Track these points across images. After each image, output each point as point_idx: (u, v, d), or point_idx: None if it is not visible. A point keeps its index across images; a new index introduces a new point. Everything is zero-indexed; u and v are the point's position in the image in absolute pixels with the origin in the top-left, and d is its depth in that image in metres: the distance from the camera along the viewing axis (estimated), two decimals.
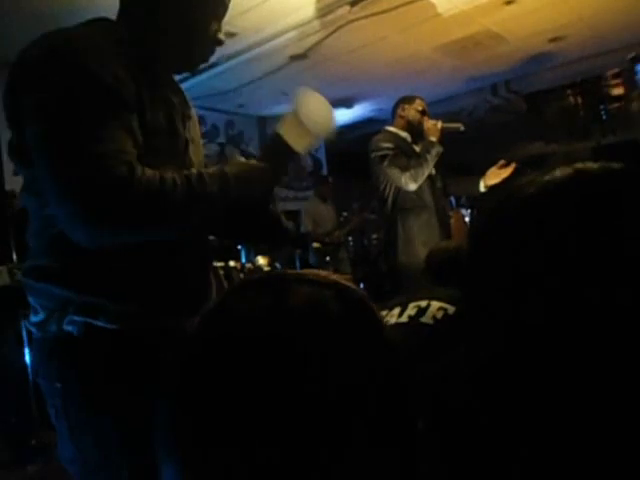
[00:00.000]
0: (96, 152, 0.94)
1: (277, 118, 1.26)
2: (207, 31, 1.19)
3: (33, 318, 1.09)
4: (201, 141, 1.36)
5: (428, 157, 3.19)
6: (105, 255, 1.02)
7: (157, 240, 1.07)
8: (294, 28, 4.41)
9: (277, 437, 0.51)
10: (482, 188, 3.51)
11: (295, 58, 5.07)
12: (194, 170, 1.09)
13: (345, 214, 6.32)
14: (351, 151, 8.14)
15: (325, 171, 8.20)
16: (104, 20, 1.14)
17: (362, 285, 6.39)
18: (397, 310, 2.00)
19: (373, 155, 3.30)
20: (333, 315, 0.59)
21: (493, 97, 7.00)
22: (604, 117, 6.91)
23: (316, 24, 4.37)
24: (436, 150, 3.22)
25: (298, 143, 1.19)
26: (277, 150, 1.20)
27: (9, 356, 3.26)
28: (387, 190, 3.32)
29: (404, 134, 3.38)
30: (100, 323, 1.03)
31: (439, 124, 3.27)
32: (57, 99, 0.96)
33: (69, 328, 1.04)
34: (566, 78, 6.79)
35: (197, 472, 0.54)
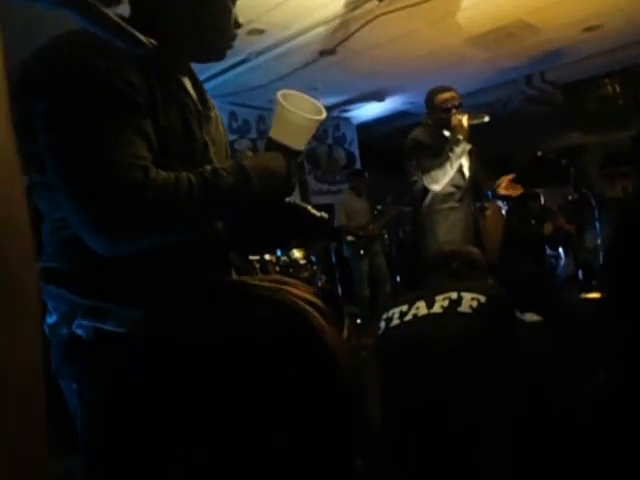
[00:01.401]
0: (111, 158, 0.93)
1: None
2: (223, 13, 1.17)
3: (48, 319, 1.10)
4: (225, 141, 1.35)
5: (452, 156, 3.17)
6: (112, 260, 1.01)
7: (167, 246, 1.05)
8: (322, 24, 4.44)
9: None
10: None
11: (324, 53, 5.12)
12: (208, 167, 1.08)
13: (379, 207, 6.36)
14: (384, 144, 8.17)
15: (358, 164, 8.24)
16: None
17: (398, 278, 6.44)
18: (422, 303, 2.09)
19: (404, 151, 3.36)
20: (270, 335, 0.57)
21: (528, 88, 6.89)
22: None
23: (344, 19, 4.41)
24: (462, 148, 3.20)
25: (294, 141, 1.18)
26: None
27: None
28: (417, 186, 3.35)
29: (440, 130, 3.40)
30: (108, 327, 1.03)
31: (465, 119, 3.24)
32: (69, 106, 0.95)
33: (79, 331, 1.05)
34: (603, 67, 6.65)
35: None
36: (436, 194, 3.28)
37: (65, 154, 0.95)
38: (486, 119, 3.30)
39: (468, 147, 3.24)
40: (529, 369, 2.02)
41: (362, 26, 4.55)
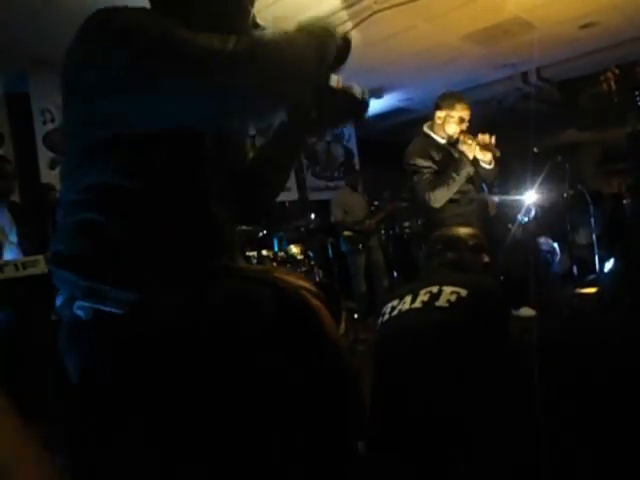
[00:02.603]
0: (198, 37, 0.96)
1: None
2: (241, 14, 1.18)
3: (56, 302, 1.14)
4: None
5: (456, 178, 3.14)
6: (112, 243, 1.06)
7: (165, 231, 1.09)
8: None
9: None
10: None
11: None
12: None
13: (376, 203, 6.39)
14: (382, 141, 8.20)
15: (356, 161, 8.25)
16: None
17: (395, 273, 6.47)
18: (409, 297, 2.07)
19: (406, 166, 3.29)
20: (266, 315, 0.57)
21: (524, 85, 6.93)
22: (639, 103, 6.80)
23: (341, 16, 4.42)
24: (466, 171, 3.17)
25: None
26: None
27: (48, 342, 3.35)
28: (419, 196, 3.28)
29: (442, 141, 3.33)
30: (106, 308, 1.05)
31: (474, 145, 3.20)
32: (148, 28, 0.98)
33: (79, 312, 1.07)
34: (599, 65, 6.68)
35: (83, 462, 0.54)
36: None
37: (161, 50, 0.95)
38: (498, 154, 3.25)
39: (472, 171, 3.22)
40: (527, 366, 1.95)
41: (359, 23, 4.57)
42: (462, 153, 3.20)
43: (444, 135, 3.33)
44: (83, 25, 1.04)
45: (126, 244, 1.06)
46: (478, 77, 6.54)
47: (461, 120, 3.28)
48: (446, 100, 3.34)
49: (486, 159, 3.28)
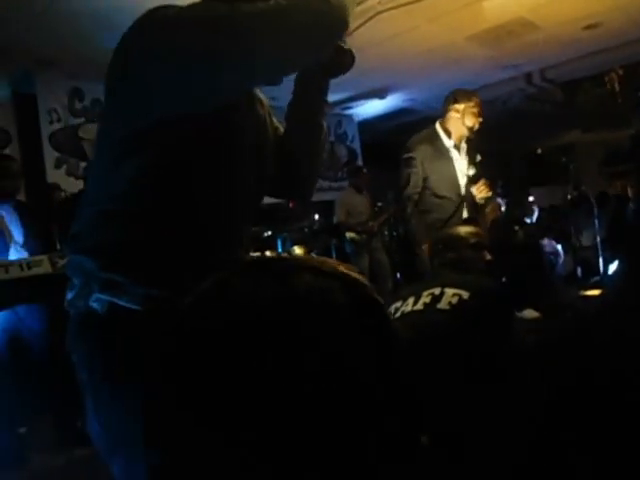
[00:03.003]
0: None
1: None
2: None
3: (67, 295, 1.12)
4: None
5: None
6: (140, 238, 1.06)
7: (191, 228, 1.09)
8: None
9: (269, 425, 0.49)
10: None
11: None
12: None
13: (380, 204, 6.38)
14: (385, 141, 8.19)
15: (360, 161, 8.26)
16: None
17: (398, 274, 6.47)
18: (412, 299, 2.04)
19: (402, 156, 3.35)
20: (339, 306, 0.55)
21: (528, 86, 6.91)
22: None
23: None
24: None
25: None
26: None
27: (53, 342, 3.29)
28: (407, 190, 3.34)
29: (448, 141, 3.33)
30: (123, 303, 1.04)
31: (484, 194, 3.31)
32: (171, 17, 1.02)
33: (94, 305, 1.05)
34: (603, 66, 6.67)
35: (178, 454, 0.52)
36: (427, 197, 3.31)
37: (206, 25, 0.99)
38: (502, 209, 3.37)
39: (471, 173, 3.31)
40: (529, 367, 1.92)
41: (363, 23, 4.57)
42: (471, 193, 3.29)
43: (456, 134, 3.32)
44: (138, 22, 1.06)
45: (154, 240, 1.06)
46: (482, 78, 6.50)
47: (479, 113, 3.29)
48: (462, 94, 3.35)
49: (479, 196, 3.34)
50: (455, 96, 3.34)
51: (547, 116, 7.63)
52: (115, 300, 1.04)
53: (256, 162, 1.25)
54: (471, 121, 3.27)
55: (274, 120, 1.38)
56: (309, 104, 1.37)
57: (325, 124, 1.41)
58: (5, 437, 3.05)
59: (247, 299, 0.54)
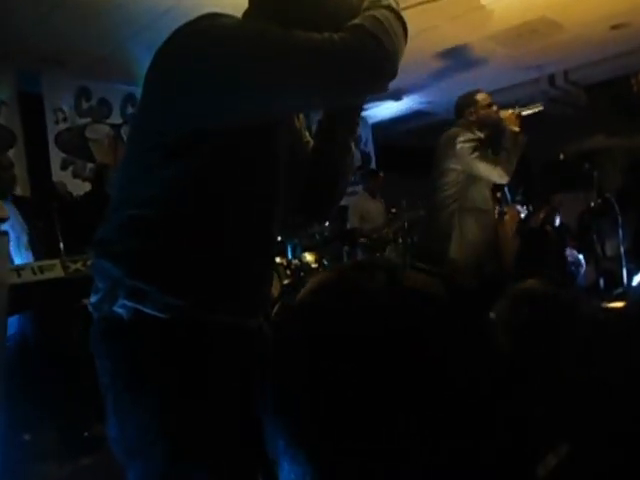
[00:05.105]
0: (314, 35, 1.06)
1: None
2: (337, 23, 1.17)
3: (92, 298, 1.13)
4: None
5: (515, 149, 3.13)
6: (168, 247, 1.08)
7: (220, 240, 1.12)
8: None
9: (406, 428, 0.49)
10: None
11: None
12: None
13: (394, 211, 6.21)
14: (400, 145, 8.04)
15: (374, 165, 8.11)
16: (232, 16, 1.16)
17: None
18: None
19: (460, 146, 3.17)
20: (446, 304, 0.58)
21: (550, 88, 6.81)
22: None
23: None
24: (520, 139, 3.15)
25: None
26: None
27: (64, 348, 3.33)
28: (451, 186, 3.22)
29: (478, 133, 3.26)
30: (149, 310, 1.05)
31: (516, 111, 3.19)
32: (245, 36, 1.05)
33: (120, 311, 1.07)
34: (630, 68, 6.57)
35: (327, 466, 0.51)
36: (471, 193, 3.18)
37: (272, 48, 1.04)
38: (540, 108, 3.29)
39: (525, 139, 3.19)
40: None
41: None
42: (505, 122, 3.20)
43: (484, 118, 3.27)
44: (187, 28, 1.08)
45: (182, 250, 1.08)
46: (503, 79, 6.39)
47: (489, 104, 3.30)
48: (472, 92, 3.37)
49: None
50: (474, 94, 3.36)
51: (570, 120, 7.48)
52: (140, 307, 1.06)
53: (287, 178, 1.26)
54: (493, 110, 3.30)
55: (306, 134, 1.40)
56: (342, 122, 1.38)
57: (354, 146, 1.43)
58: (10, 445, 2.97)
59: (364, 294, 0.56)
